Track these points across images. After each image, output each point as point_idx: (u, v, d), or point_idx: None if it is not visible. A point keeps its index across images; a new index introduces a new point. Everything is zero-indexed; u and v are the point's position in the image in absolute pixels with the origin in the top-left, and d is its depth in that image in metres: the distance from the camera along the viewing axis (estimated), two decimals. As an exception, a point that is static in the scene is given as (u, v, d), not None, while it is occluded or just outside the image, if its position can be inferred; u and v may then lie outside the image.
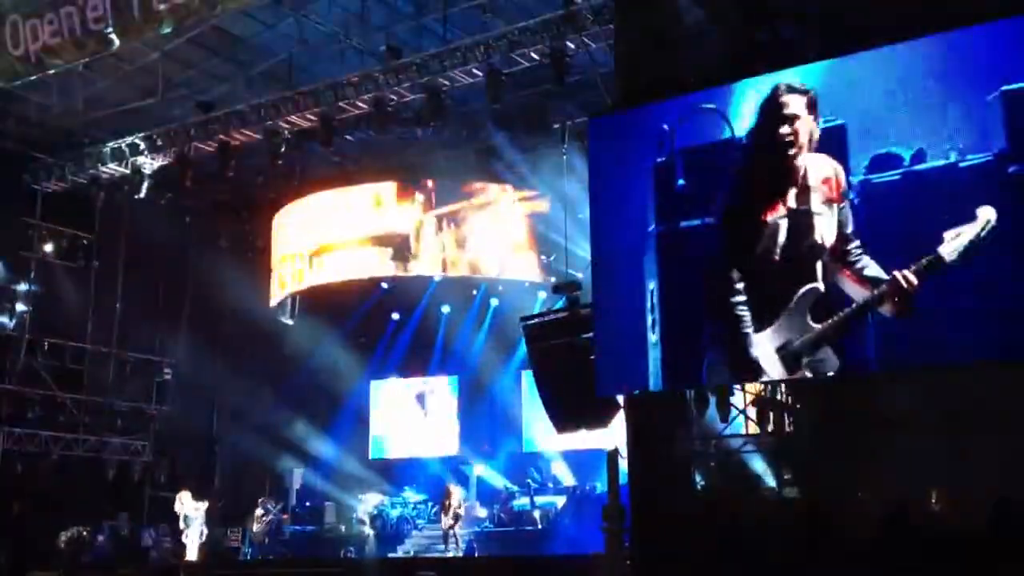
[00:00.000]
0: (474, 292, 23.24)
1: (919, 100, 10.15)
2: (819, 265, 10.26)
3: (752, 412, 12.93)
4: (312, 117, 18.21)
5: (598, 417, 13.40)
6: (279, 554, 21.51)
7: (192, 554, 19.89)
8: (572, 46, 15.58)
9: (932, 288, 9.70)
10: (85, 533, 20.27)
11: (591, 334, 12.63)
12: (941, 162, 9.83)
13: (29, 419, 20.64)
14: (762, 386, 12.43)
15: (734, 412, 12.93)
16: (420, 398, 25.81)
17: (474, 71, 16.57)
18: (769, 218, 10.48)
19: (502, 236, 21.91)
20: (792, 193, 10.43)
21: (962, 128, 9.83)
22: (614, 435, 13.53)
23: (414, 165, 22.18)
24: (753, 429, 13.14)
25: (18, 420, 20.50)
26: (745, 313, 10.60)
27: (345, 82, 17.60)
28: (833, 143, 10.45)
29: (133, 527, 21.57)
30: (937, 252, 9.51)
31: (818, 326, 10.20)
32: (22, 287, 21.24)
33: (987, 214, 9.35)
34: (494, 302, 23.38)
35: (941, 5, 10.35)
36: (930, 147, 9.94)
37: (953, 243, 9.42)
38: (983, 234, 9.30)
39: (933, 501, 11.17)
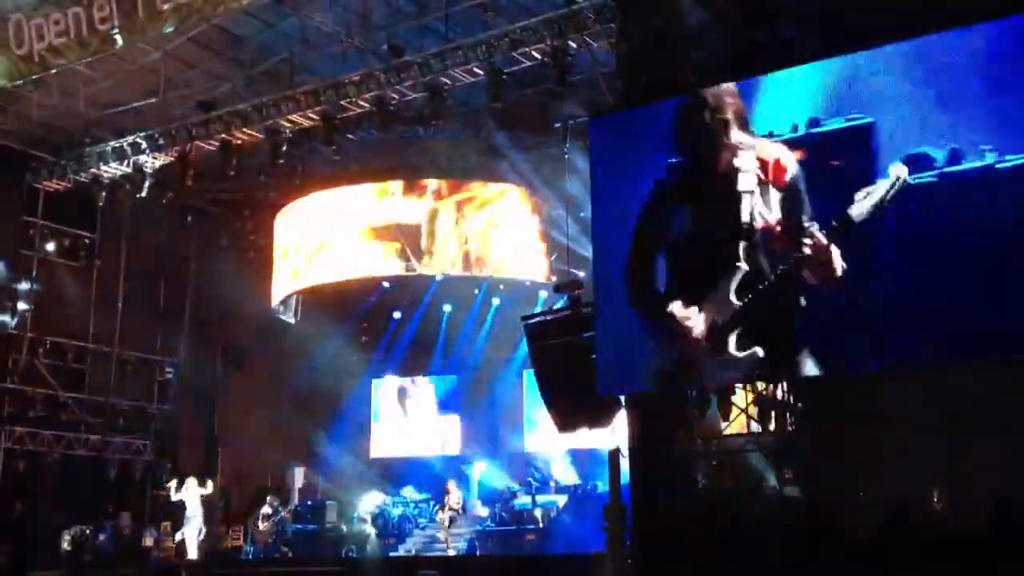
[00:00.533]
0: (475, 291, 23.23)
1: (952, 96, 9.76)
2: (742, 245, 10.19)
3: (753, 411, 12.90)
4: (314, 116, 18.21)
5: (599, 416, 13.40)
6: (281, 553, 21.52)
7: (192, 552, 19.90)
8: (574, 45, 15.57)
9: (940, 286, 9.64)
10: (88, 532, 20.30)
11: (592, 333, 12.63)
12: (978, 163, 9.49)
13: (31, 418, 20.65)
14: (763, 385, 12.42)
15: (735, 411, 12.92)
16: (402, 392, 25.89)
17: (476, 70, 16.56)
18: (689, 202, 10.43)
19: (519, 234, 21.91)
20: (716, 176, 10.39)
21: (999, 126, 9.45)
22: (615, 434, 13.53)
23: (416, 164, 22.19)
24: (754, 428, 13.12)
25: (20, 419, 20.51)
26: (665, 300, 10.65)
27: (347, 81, 17.58)
28: (857, 142, 10.08)
29: (135, 526, 21.59)
30: (846, 213, 9.45)
31: (738, 303, 10.12)
32: (24, 286, 21.24)
33: (898, 171, 9.34)
34: (495, 301, 23.37)
35: (941, 5, 10.31)
36: (965, 147, 9.57)
37: (862, 203, 9.44)
38: (893, 191, 9.30)
39: (933, 501, 11.16)
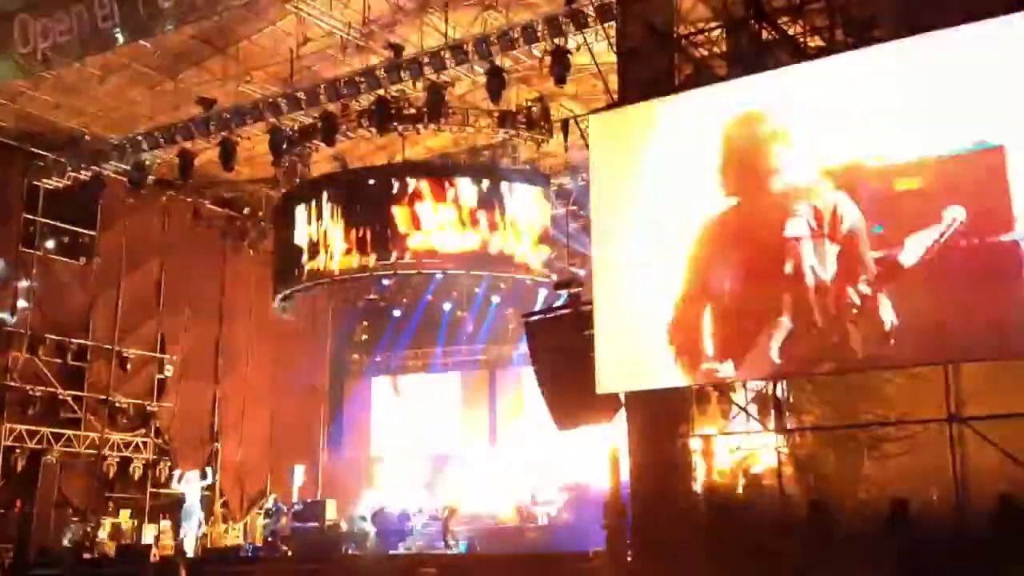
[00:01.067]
0: (476, 289, 23.23)
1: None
2: (786, 299, 9.41)
3: (753, 409, 12.91)
4: (313, 114, 18.23)
5: (599, 414, 13.39)
6: (280, 551, 21.51)
7: (190, 549, 19.91)
8: (574, 43, 15.59)
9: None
10: (88, 530, 20.31)
11: (592, 331, 12.63)
12: None
13: (30, 416, 20.66)
14: (764, 383, 12.42)
15: (735, 409, 12.92)
16: (402, 390, 25.88)
17: (476, 68, 16.58)
18: (737, 246, 9.76)
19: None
20: (763, 218, 9.59)
21: None
22: (615, 432, 13.54)
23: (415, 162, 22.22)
24: (754, 427, 13.13)
25: (20, 417, 20.51)
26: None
27: (346, 79, 17.61)
28: (987, 171, 8.54)
29: (134, 524, 21.60)
30: (896, 259, 8.70)
31: (779, 361, 9.45)
32: (24, 283, 21.26)
33: (954, 213, 8.52)
34: (495, 299, 23.37)
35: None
36: None
37: (913, 248, 8.63)
38: (948, 234, 8.50)
39: (934, 500, 11.16)
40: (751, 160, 9.80)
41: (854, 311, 8.85)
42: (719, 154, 10.21)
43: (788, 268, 9.22)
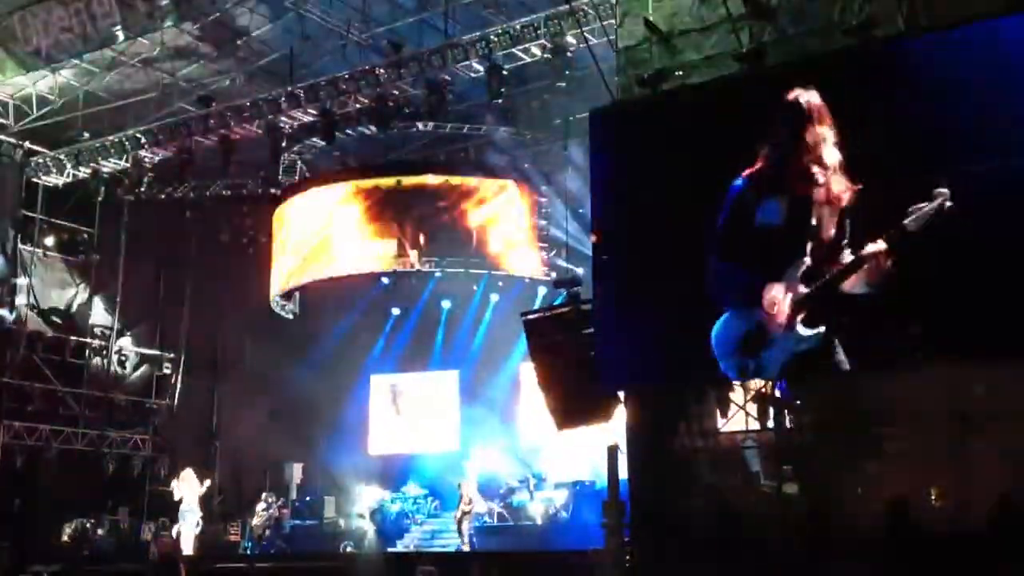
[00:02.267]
0: (474, 287, 23.22)
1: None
2: (809, 245, 10.53)
3: (752, 408, 12.91)
4: (313, 112, 18.22)
5: (598, 413, 13.38)
6: (279, 548, 21.52)
7: (188, 547, 19.90)
8: (573, 41, 15.59)
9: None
10: (87, 526, 20.29)
11: (591, 329, 12.63)
12: None
13: (29, 413, 20.64)
14: (762, 382, 12.41)
15: (734, 408, 12.91)
16: (400, 388, 25.90)
17: (475, 66, 16.58)
18: (778, 196, 10.72)
19: (516, 230, 21.89)
20: (797, 178, 10.60)
21: None
22: (614, 430, 13.54)
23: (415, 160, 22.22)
24: (753, 425, 13.12)
25: (18, 414, 20.49)
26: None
27: (346, 77, 17.61)
28: None
29: (133, 521, 21.59)
30: (903, 224, 9.75)
31: (806, 290, 10.53)
32: (22, 280, 21.25)
33: (942, 195, 9.57)
34: (494, 297, 23.36)
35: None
36: None
37: (914, 217, 9.69)
38: (940, 211, 9.58)
39: (933, 499, 11.16)
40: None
41: (878, 252, 10.09)
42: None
43: (813, 220, 10.56)
